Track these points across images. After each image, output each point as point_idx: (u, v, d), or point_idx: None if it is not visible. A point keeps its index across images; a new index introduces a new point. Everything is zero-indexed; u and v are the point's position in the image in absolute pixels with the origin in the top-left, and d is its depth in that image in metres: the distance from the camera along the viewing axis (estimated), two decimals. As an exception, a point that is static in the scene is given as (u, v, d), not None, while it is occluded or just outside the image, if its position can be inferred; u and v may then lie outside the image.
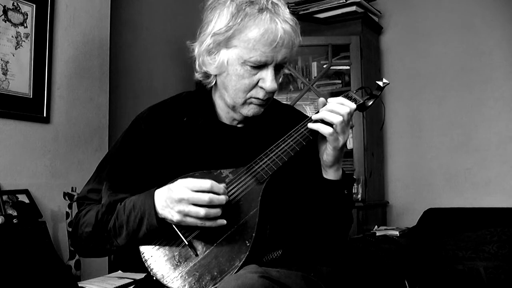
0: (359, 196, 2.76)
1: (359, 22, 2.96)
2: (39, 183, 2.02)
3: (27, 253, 1.72)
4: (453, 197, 2.96)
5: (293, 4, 3.10)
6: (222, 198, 1.04)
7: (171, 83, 3.00)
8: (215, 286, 1.02)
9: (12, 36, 1.95)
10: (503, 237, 2.48)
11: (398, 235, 2.69)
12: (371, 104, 1.26)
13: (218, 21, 1.13)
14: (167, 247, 1.09)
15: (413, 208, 3.04)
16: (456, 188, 2.97)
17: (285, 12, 1.14)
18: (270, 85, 1.13)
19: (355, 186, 2.75)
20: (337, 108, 1.12)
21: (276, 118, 1.26)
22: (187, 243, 1.07)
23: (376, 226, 2.88)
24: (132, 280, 1.89)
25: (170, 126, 1.22)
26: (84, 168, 2.19)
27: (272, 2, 1.12)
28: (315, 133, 1.15)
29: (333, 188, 1.18)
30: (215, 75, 1.19)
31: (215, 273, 1.03)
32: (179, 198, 1.03)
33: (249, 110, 1.18)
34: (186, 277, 1.05)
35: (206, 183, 1.03)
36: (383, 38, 3.27)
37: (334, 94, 2.97)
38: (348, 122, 1.13)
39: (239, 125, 1.25)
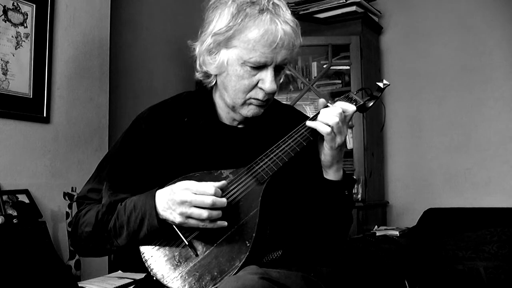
0: (359, 196, 2.76)
1: (359, 22, 2.96)
2: (39, 183, 2.02)
3: (27, 253, 1.72)
4: (453, 197, 2.95)
5: (293, 4, 3.11)
6: (224, 201, 1.04)
7: (171, 83, 3.00)
8: (215, 286, 1.02)
9: (12, 36, 1.95)
10: (503, 237, 2.48)
11: (398, 235, 2.69)
12: (372, 105, 1.26)
13: (219, 21, 1.13)
14: (167, 247, 1.09)
15: (413, 208, 3.04)
16: (456, 188, 2.97)
17: (286, 13, 1.13)
18: (269, 86, 1.13)
19: (355, 186, 2.75)
20: (332, 111, 1.13)
21: (276, 118, 1.26)
22: (187, 243, 1.07)
23: (376, 226, 2.88)
24: (132, 280, 1.89)
25: (170, 126, 1.22)
26: (84, 168, 2.19)
27: (273, 3, 1.12)
28: (315, 133, 1.15)
29: (333, 189, 1.18)
30: (215, 75, 1.19)
31: (215, 273, 1.03)
32: (181, 200, 1.03)
33: (248, 111, 1.18)
34: (186, 277, 1.05)
35: (210, 188, 1.03)
36: (383, 38, 3.27)
37: (334, 94, 2.97)
38: (343, 123, 1.13)
39: (239, 126, 1.25)
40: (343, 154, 1.19)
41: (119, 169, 1.21)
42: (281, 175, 1.14)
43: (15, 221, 1.78)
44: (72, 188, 2.01)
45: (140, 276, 1.70)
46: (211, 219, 1.03)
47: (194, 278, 1.04)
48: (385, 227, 2.87)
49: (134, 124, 1.25)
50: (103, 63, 2.34)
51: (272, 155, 1.13)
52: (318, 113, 1.16)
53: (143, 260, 1.10)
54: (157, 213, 1.07)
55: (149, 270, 1.09)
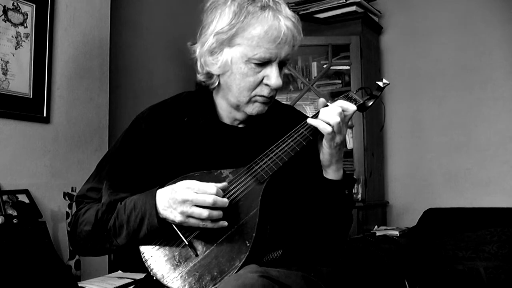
0: (359, 196, 2.76)
1: (359, 22, 2.96)
2: (39, 183, 2.02)
3: (27, 253, 1.72)
4: (453, 197, 2.96)
5: (293, 4, 3.11)
6: (226, 201, 1.04)
7: (171, 83, 3.00)
8: (215, 286, 1.02)
9: (12, 36, 1.95)
10: (503, 237, 2.48)
11: (398, 235, 2.69)
12: (371, 105, 1.26)
13: (220, 21, 1.13)
14: (167, 247, 1.09)
15: (413, 208, 3.04)
16: (456, 188, 2.97)
17: (286, 9, 1.15)
18: (275, 81, 1.14)
19: (355, 186, 2.75)
20: (334, 109, 1.13)
21: (276, 118, 1.26)
22: (187, 243, 1.07)
23: (376, 226, 2.88)
24: (132, 280, 1.89)
25: (170, 126, 1.22)
26: (84, 168, 2.19)
27: (273, 0, 1.13)
28: (315, 133, 1.15)
29: (333, 188, 1.18)
30: (218, 75, 1.19)
31: (215, 273, 1.03)
32: (182, 199, 1.03)
33: (253, 109, 1.18)
34: (186, 277, 1.05)
35: (211, 188, 1.03)
36: (383, 38, 3.27)
37: (334, 94, 2.98)
38: (344, 122, 1.13)
39: (240, 125, 1.25)
40: (343, 153, 1.19)
41: (119, 168, 1.21)
42: (281, 175, 1.14)
43: (15, 221, 1.77)
44: (72, 188, 2.01)
45: (140, 276, 1.70)
46: (211, 219, 1.03)
47: (194, 278, 1.04)
48: (385, 227, 2.87)
49: (134, 124, 1.25)
50: (103, 63, 2.34)
51: (272, 155, 1.14)
52: (319, 112, 1.16)
53: (143, 260, 1.10)
54: (157, 212, 1.07)
55: (149, 270, 1.09)
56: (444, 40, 3.06)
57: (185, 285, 1.04)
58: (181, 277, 1.05)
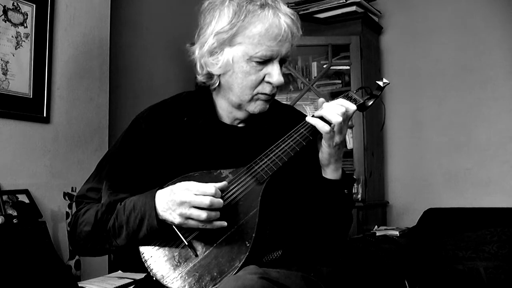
0: (359, 196, 2.76)
1: (359, 22, 2.96)
2: (39, 183, 2.02)
3: (27, 253, 1.72)
4: (453, 197, 2.95)
5: (293, 4, 3.11)
6: (220, 201, 1.04)
7: (171, 83, 3.00)
8: (215, 286, 1.02)
9: (12, 36, 1.95)
10: (503, 237, 2.48)
11: (398, 235, 2.69)
12: (371, 104, 1.26)
13: (219, 21, 1.14)
14: (167, 248, 1.09)
15: (413, 208, 3.04)
16: (456, 188, 2.97)
17: (285, 7, 1.16)
18: (277, 78, 1.14)
19: (355, 186, 2.75)
20: (337, 108, 1.13)
21: (276, 118, 1.26)
22: (187, 244, 1.07)
23: (376, 226, 2.88)
24: (132, 280, 1.89)
25: (170, 125, 1.22)
26: (84, 168, 2.19)
27: None
28: (315, 133, 1.15)
29: (332, 188, 1.18)
30: (219, 76, 1.19)
31: (215, 274, 1.03)
32: (181, 200, 1.03)
33: (255, 107, 1.18)
34: (186, 278, 1.05)
35: (210, 188, 1.03)
36: (383, 38, 3.27)
37: (334, 94, 2.97)
38: (346, 123, 1.13)
39: (239, 125, 1.25)
40: (342, 153, 1.19)
41: (119, 168, 1.21)
42: (281, 175, 1.14)
43: (15, 221, 1.78)
44: (72, 188, 2.01)
45: (140, 276, 1.70)
46: (210, 220, 1.03)
47: (194, 278, 1.04)
48: (385, 227, 2.87)
49: (134, 124, 1.25)
50: (103, 63, 2.34)
51: (271, 155, 1.13)
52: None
53: (143, 260, 1.10)
54: (156, 214, 1.07)
55: (149, 270, 1.09)
56: (444, 40, 3.06)
57: (185, 286, 1.04)
58: (181, 277, 1.05)
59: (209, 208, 1.02)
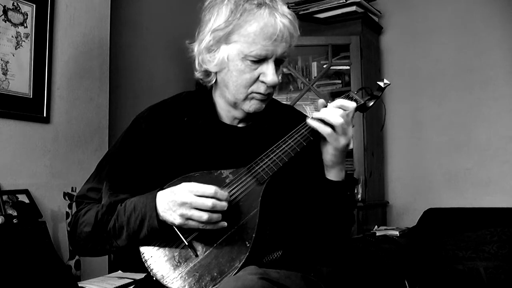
0: (359, 196, 2.76)
1: (359, 22, 2.96)
2: (39, 183, 2.02)
3: (27, 253, 1.72)
4: (453, 197, 2.95)
5: (293, 4, 3.11)
6: (224, 204, 1.04)
7: (171, 83, 3.00)
8: (215, 286, 1.02)
9: (12, 36, 1.95)
10: (503, 237, 2.48)
11: (398, 235, 2.69)
12: (372, 105, 1.26)
13: (217, 19, 1.14)
14: (167, 248, 1.09)
15: (413, 208, 3.04)
16: (456, 188, 2.97)
17: (283, 7, 1.15)
18: (271, 78, 1.14)
19: (356, 187, 2.75)
20: (337, 110, 1.12)
21: (276, 118, 1.26)
22: (187, 244, 1.07)
23: (376, 226, 2.88)
24: (132, 280, 1.89)
25: (170, 126, 1.22)
26: (84, 168, 2.19)
27: None
28: (316, 133, 1.14)
29: (335, 189, 1.18)
30: (215, 73, 1.20)
31: (215, 274, 1.03)
32: (182, 201, 1.03)
33: (250, 106, 1.18)
34: (186, 278, 1.05)
35: (210, 189, 1.03)
36: (383, 38, 3.27)
37: (334, 94, 2.97)
38: (348, 123, 1.13)
39: (239, 125, 1.25)
40: (346, 154, 1.19)
41: (119, 168, 1.21)
42: (281, 175, 1.14)
43: (15, 221, 1.78)
44: (72, 188, 2.01)
45: (140, 276, 1.70)
46: (211, 222, 1.03)
47: (194, 278, 1.04)
48: (385, 227, 2.87)
49: (134, 124, 1.25)
50: (103, 63, 2.34)
51: (272, 155, 1.13)
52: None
53: (143, 260, 1.10)
54: (157, 214, 1.07)
55: (149, 270, 1.09)
56: (444, 40, 3.06)
57: (185, 286, 1.04)
58: (181, 277, 1.05)
59: (210, 210, 1.02)
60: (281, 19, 1.12)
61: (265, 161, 1.13)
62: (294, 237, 1.20)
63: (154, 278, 1.08)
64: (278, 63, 1.16)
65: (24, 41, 1.99)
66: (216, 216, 1.03)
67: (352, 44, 2.90)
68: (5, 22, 1.92)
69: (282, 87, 3.16)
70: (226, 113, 1.24)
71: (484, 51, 2.93)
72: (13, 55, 1.95)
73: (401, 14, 3.21)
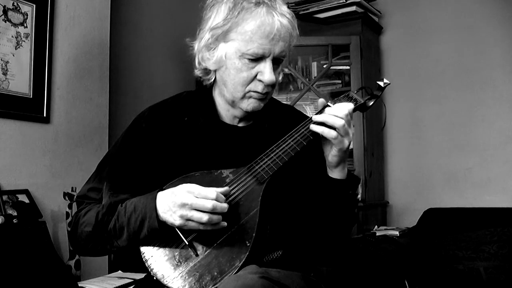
0: (359, 196, 2.75)
1: (359, 22, 2.96)
2: (39, 183, 2.02)
3: (27, 253, 1.72)
4: (453, 197, 2.95)
5: (293, 4, 3.11)
6: (225, 206, 1.04)
7: (171, 83, 3.00)
8: (215, 286, 1.02)
9: (12, 36, 1.95)
10: (503, 237, 2.48)
11: (398, 235, 2.69)
12: (372, 104, 1.26)
13: (216, 17, 1.15)
14: (167, 247, 1.09)
15: (413, 208, 3.04)
16: (456, 188, 2.97)
17: (282, 6, 1.16)
18: (268, 77, 1.13)
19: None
20: (337, 112, 1.12)
21: (276, 118, 1.27)
22: (187, 244, 1.07)
23: (376, 226, 2.88)
24: (132, 280, 1.89)
25: (170, 125, 1.22)
26: (84, 168, 2.19)
27: None
28: (316, 133, 1.14)
29: (338, 187, 1.18)
30: (214, 71, 1.20)
31: (215, 273, 1.03)
32: (182, 203, 1.03)
33: (248, 105, 1.18)
34: (186, 277, 1.05)
35: (212, 193, 1.03)
36: (383, 38, 3.27)
37: (334, 94, 2.97)
38: (349, 124, 1.13)
39: (240, 124, 1.26)
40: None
41: (119, 168, 1.21)
42: (282, 175, 1.14)
43: (15, 221, 1.77)
44: (72, 188, 2.01)
45: (140, 276, 1.70)
46: (211, 223, 1.03)
47: (194, 278, 1.04)
48: (385, 227, 2.87)
49: (134, 124, 1.26)
50: (103, 63, 2.34)
51: (272, 155, 1.13)
52: (319, 112, 1.15)
53: (143, 260, 1.10)
54: (157, 215, 1.07)
55: (149, 270, 1.09)
56: (444, 40, 3.06)
57: (185, 285, 1.04)
58: (181, 277, 1.05)
59: (211, 212, 1.02)
60: (278, 18, 1.12)
61: (265, 161, 1.13)
62: (294, 236, 1.20)
63: (155, 278, 1.08)
64: (276, 62, 1.16)
65: (24, 41, 1.99)
66: (216, 217, 1.03)
67: (352, 44, 2.90)
68: (5, 22, 1.92)
69: (282, 87, 3.16)
70: (226, 112, 1.25)
71: (484, 51, 2.93)
72: (13, 55, 1.95)
73: (401, 14, 3.21)
